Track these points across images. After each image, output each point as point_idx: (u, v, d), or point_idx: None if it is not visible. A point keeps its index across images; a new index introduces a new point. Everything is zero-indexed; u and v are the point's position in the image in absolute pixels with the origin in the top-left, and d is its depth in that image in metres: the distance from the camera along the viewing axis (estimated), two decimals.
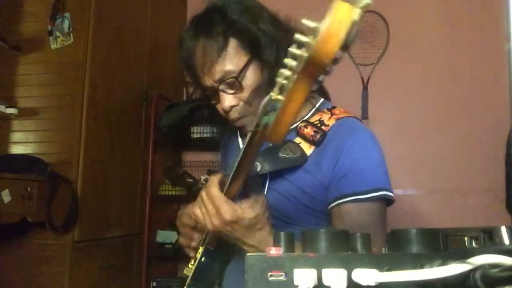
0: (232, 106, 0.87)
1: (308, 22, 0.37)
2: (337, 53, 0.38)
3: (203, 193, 0.77)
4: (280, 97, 0.47)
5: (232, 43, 0.84)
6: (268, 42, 0.84)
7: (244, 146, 0.64)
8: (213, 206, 0.75)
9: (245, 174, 0.66)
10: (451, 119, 2.36)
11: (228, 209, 0.73)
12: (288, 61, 0.43)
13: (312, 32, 0.38)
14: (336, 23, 0.36)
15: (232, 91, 0.86)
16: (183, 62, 0.91)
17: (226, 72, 0.84)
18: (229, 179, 0.72)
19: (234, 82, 0.84)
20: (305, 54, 0.39)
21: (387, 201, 0.85)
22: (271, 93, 0.48)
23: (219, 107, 0.90)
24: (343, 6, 0.36)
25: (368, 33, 2.47)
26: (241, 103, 0.87)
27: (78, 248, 1.75)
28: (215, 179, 0.77)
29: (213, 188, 0.75)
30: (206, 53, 0.84)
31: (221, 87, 0.86)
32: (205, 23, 0.86)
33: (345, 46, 0.38)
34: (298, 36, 0.39)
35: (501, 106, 2.16)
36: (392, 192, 0.84)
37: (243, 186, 0.77)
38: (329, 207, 0.85)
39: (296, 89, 0.45)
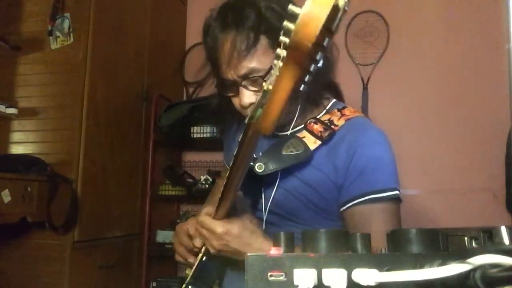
0: (251, 103, 0.85)
1: (294, 8, 0.37)
2: (320, 37, 0.37)
3: (197, 226, 0.85)
4: (270, 86, 0.47)
5: (263, 41, 0.82)
6: None
7: (240, 138, 0.64)
8: (207, 229, 0.81)
9: (242, 169, 0.65)
10: (451, 119, 2.36)
11: (217, 224, 0.80)
12: (279, 51, 0.42)
13: (298, 17, 0.37)
14: (316, 5, 0.35)
15: (254, 89, 0.84)
16: (207, 51, 0.89)
17: (251, 69, 0.82)
18: (226, 175, 0.71)
19: (258, 80, 0.83)
20: (289, 39, 0.39)
21: (399, 201, 0.85)
22: (264, 84, 0.48)
23: (236, 101, 0.89)
24: None
25: (368, 33, 2.47)
26: None
27: (78, 248, 1.75)
28: (204, 210, 0.84)
29: (202, 216, 0.83)
30: (235, 47, 0.82)
31: (244, 83, 0.84)
32: (237, 15, 0.83)
33: (329, 31, 0.37)
34: (285, 23, 0.38)
35: (501, 106, 2.16)
36: (400, 192, 0.85)
37: (231, 209, 0.78)
38: (343, 208, 0.84)
39: (282, 76, 0.44)
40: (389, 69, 2.44)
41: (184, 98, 2.70)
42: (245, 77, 0.83)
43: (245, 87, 0.84)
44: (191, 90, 2.67)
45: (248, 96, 0.84)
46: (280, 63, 0.43)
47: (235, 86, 0.86)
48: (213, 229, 0.80)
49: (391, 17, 2.45)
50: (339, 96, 0.99)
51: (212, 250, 0.83)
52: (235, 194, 0.74)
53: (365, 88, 2.43)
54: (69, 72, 1.84)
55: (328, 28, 0.37)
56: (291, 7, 0.37)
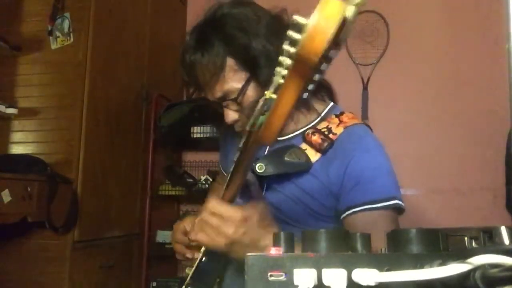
0: (235, 121, 0.88)
1: (299, 19, 0.35)
2: (327, 51, 0.36)
3: (204, 214, 0.73)
4: (273, 95, 0.46)
5: (230, 62, 0.83)
6: (265, 61, 0.80)
7: (241, 145, 0.64)
8: (219, 217, 0.70)
9: (242, 175, 0.66)
10: (451, 119, 2.36)
11: (235, 209, 0.70)
12: (284, 59, 0.41)
13: (304, 29, 0.36)
14: (323, 19, 0.34)
15: (234, 108, 0.87)
16: (187, 76, 0.91)
17: (225, 92, 0.85)
18: (227, 180, 0.72)
19: (234, 102, 0.85)
20: (295, 52, 0.38)
21: (398, 210, 0.85)
22: (266, 92, 0.47)
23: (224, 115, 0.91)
24: (331, 2, 0.34)
25: (368, 33, 2.47)
26: (244, 118, 0.86)
27: (78, 248, 1.75)
28: (213, 197, 0.76)
29: (213, 202, 0.72)
30: (205, 74, 0.85)
31: (224, 103, 0.87)
32: (203, 40, 0.85)
33: (337, 44, 0.36)
34: (290, 33, 0.37)
35: (501, 106, 2.16)
36: (402, 202, 0.83)
37: (241, 192, 0.77)
38: (341, 217, 0.84)
39: (287, 88, 0.43)
40: (389, 69, 2.44)
41: (184, 98, 2.70)
42: (223, 98, 0.86)
43: (226, 107, 0.87)
44: (191, 90, 2.67)
45: (230, 115, 0.88)
46: (284, 71, 0.42)
47: (219, 105, 0.89)
48: (230, 215, 0.70)
49: (391, 17, 2.45)
50: (331, 94, 0.98)
51: (222, 241, 0.70)
52: (234, 198, 0.74)
53: (365, 88, 2.43)
54: (69, 72, 1.84)
55: (335, 41, 0.36)
56: (295, 17, 0.35)
